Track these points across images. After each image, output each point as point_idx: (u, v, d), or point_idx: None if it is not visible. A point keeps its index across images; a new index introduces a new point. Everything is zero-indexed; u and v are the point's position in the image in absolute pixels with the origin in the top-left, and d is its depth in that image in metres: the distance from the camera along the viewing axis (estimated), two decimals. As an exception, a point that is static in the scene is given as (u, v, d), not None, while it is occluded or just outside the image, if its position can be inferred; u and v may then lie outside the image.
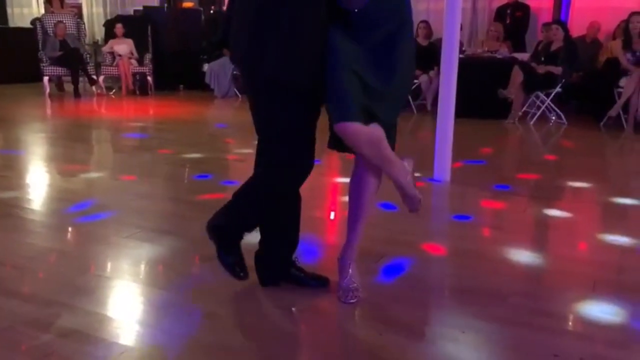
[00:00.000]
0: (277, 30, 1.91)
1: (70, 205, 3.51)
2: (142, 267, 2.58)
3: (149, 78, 10.06)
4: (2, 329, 2.01)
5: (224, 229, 2.23)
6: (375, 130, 2.07)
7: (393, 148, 2.18)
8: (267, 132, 2.12)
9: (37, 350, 1.87)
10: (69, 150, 5.56)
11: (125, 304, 2.24)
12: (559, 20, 8.33)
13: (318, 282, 2.39)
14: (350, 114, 1.98)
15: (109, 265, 2.63)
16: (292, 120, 2.05)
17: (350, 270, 2.30)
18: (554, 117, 7.56)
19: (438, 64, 4.47)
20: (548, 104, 7.45)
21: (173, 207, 3.56)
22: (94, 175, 4.52)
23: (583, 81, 7.83)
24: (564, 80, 7.28)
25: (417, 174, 4.43)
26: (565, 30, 7.44)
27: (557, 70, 7.21)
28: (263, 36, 1.94)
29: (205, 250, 2.77)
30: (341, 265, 2.33)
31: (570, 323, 2.17)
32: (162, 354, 1.88)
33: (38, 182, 4.24)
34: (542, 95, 7.47)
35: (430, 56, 8.07)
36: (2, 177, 4.29)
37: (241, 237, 2.26)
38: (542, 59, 7.45)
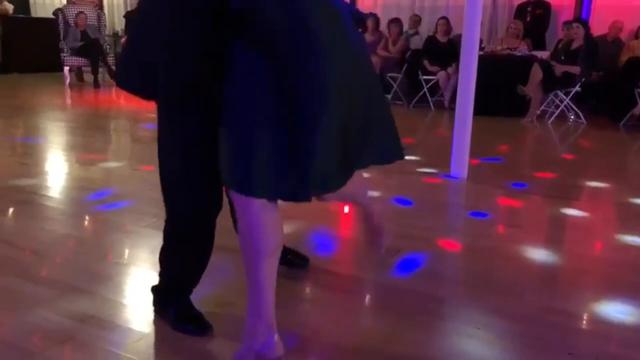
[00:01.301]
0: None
1: (89, 194, 3.56)
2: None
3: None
4: (19, 313, 2.04)
5: (159, 288, 2.04)
6: None
7: None
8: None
9: (55, 335, 1.90)
10: (88, 139, 5.62)
11: (142, 291, 2.26)
12: (580, 18, 8.23)
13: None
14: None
15: (126, 252, 2.67)
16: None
17: None
18: (572, 116, 7.49)
19: (457, 60, 4.45)
20: (567, 103, 7.38)
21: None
22: (112, 164, 4.56)
23: (603, 81, 7.75)
24: (583, 80, 7.21)
25: (434, 170, 4.45)
26: (587, 28, 7.35)
27: (576, 70, 7.14)
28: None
29: (221, 241, 2.78)
30: None
31: (585, 322, 2.16)
32: (179, 341, 1.90)
33: (57, 171, 4.29)
34: (561, 94, 7.40)
35: (449, 52, 8.04)
36: (22, 165, 4.35)
37: (183, 293, 2.01)
38: (562, 57, 7.38)
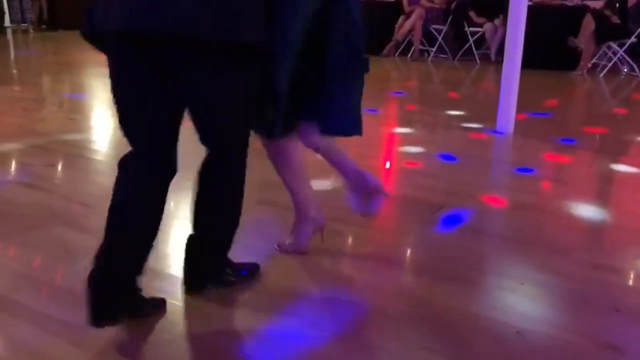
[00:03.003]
0: None
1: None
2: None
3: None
4: (71, 261, 2.12)
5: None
6: None
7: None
8: None
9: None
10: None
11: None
12: (638, -36, 7.78)
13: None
14: None
15: (172, 204, 2.72)
16: None
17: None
18: (625, 69, 7.19)
19: (504, 11, 4.30)
20: (620, 54, 7.07)
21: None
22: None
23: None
24: (639, 30, 6.87)
25: (479, 125, 4.35)
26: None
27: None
28: None
29: (265, 195, 2.83)
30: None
31: (633, 279, 2.11)
32: (224, 295, 1.95)
33: (104, 126, 4.38)
34: (614, 46, 7.09)
35: (496, 3, 7.74)
36: (70, 120, 4.46)
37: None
38: (617, 5, 7.02)
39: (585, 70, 7.10)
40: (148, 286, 1.91)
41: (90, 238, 2.29)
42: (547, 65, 7.07)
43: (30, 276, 2.04)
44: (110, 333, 1.68)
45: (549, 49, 7.18)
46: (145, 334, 1.72)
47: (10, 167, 3.31)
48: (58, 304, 1.86)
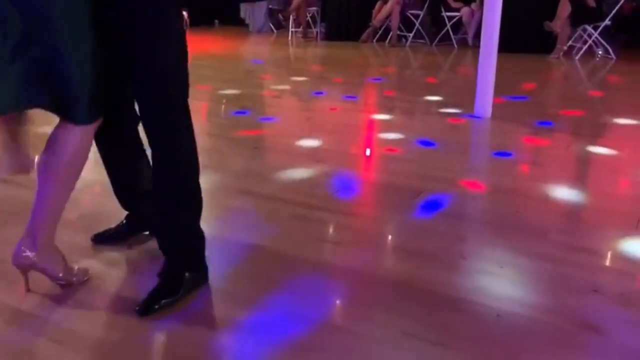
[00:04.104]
0: None
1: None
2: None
3: (185, 13, 9.97)
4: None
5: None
6: None
7: None
8: None
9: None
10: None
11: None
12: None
13: None
14: None
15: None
16: None
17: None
18: (600, 52, 7.25)
19: (481, -5, 4.30)
20: (595, 37, 7.14)
21: (212, 143, 3.60)
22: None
23: (636, 13, 7.44)
24: (613, 12, 6.93)
25: (457, 110, 4.38)
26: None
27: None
28: None
29: (244, 184, 2.81)
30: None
31: (610, 260, 2.15)
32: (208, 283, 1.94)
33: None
34: (589, 29, 7.15)
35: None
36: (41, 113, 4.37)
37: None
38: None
39: (561, 54, 7.16)
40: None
41: (68, 231, 2.27)
42: (524, 48, 7.12)
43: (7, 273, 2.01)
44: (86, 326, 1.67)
45: (526, 33, 7.23)
46: (123, 326, 1.71)
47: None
48: (36, 300, 1.83)
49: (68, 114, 1.70)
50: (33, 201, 1.78)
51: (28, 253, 1.77)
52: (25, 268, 1.80)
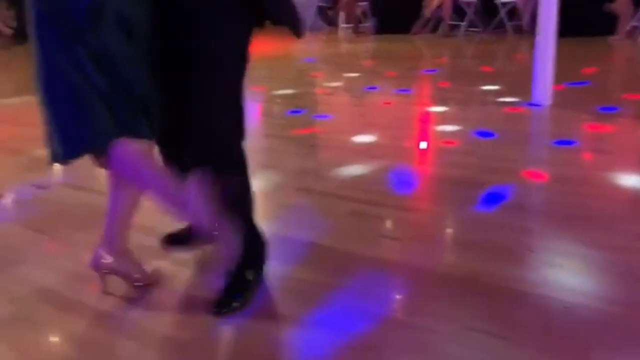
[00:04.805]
0: None
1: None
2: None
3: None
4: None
5: None
6: None
7: None
8: None
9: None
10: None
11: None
12: None
13: None
14: None
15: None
16: None
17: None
18: (667, 30, 6.93)
19: (536, -21, 4.19)
20: (661, 15, 6.82)
21: (270, 143, 3.66)
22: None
23: None
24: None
25: (515, 99, 4.28)
26: None
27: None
28: None
29: (302, 183, 2.85)
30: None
31: (684, 249, 2.07)
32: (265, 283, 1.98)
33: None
34: (653, 7, 6.84)
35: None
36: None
37: None
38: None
39: (624, 35, 6.88)
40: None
41: (140, 235, 2.36)
42: (584, 32, 6.87)
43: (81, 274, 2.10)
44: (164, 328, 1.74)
45: (585, 15, 6.97)
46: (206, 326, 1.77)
47: (58, 169, 3.40)
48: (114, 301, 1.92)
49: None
50: (107, 208, 1.86)
51: (107, 258, 1.86)
52: (104, 272, 1.89)
